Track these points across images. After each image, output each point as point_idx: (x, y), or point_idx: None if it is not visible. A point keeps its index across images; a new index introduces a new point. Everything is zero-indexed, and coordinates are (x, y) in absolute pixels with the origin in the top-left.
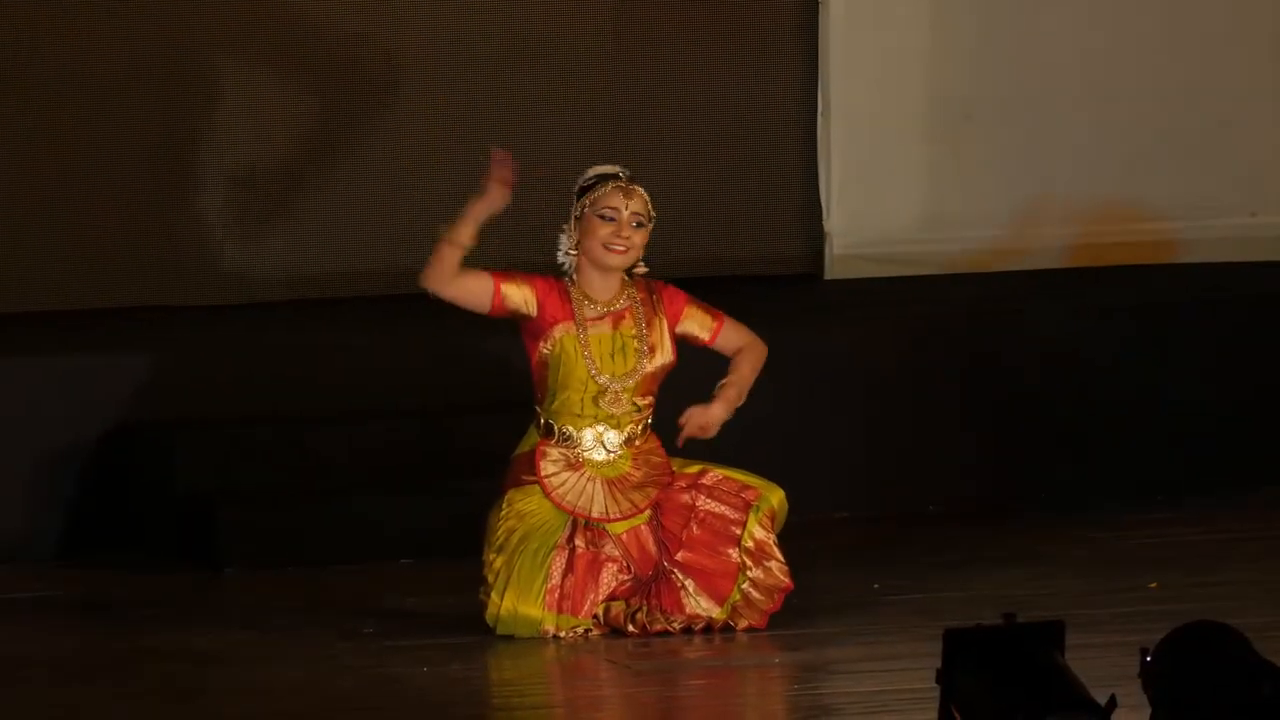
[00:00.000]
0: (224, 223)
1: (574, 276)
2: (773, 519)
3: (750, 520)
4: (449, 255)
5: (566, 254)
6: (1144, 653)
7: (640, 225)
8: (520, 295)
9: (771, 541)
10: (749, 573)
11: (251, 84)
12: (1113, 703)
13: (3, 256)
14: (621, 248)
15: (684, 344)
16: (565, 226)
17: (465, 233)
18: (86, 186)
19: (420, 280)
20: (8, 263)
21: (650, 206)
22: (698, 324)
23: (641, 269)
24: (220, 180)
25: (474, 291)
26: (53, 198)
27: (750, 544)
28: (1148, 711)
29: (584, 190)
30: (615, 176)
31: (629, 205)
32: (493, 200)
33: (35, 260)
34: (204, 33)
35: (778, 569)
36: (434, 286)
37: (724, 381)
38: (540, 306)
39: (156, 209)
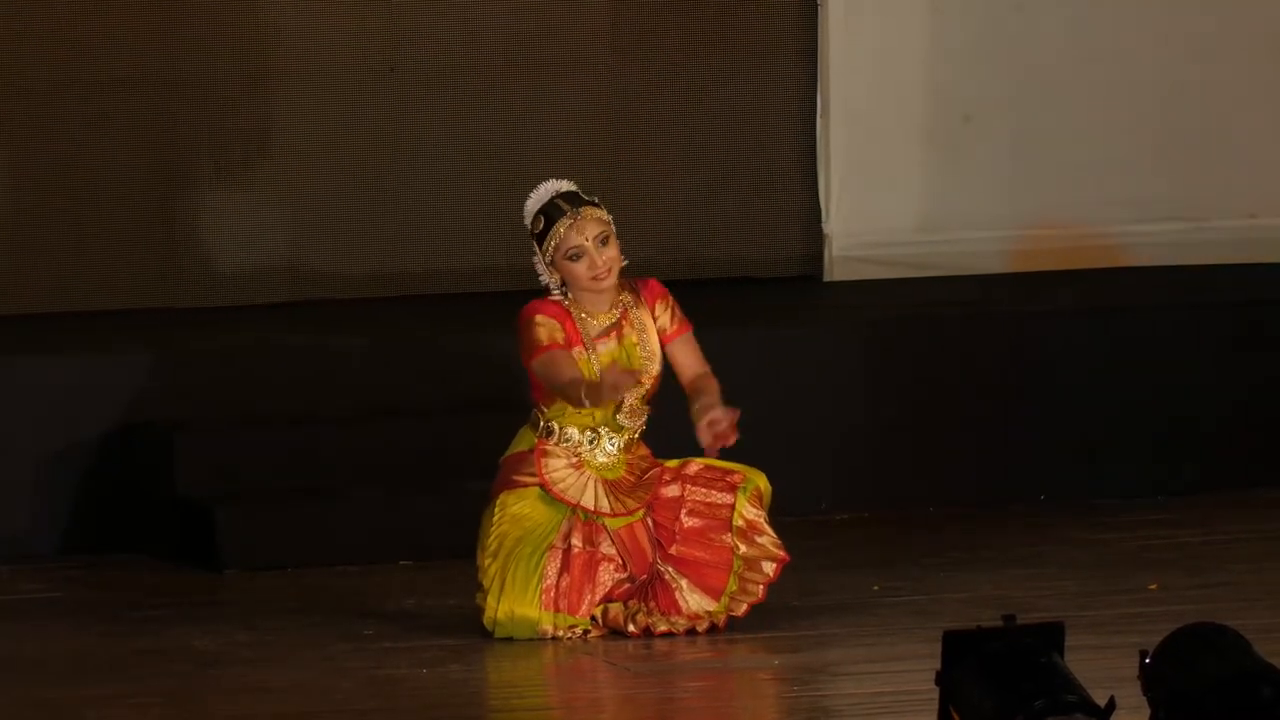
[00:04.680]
0: (224, 223)
1: (567, 295)
2: (760, 499)
3: (739, 500)
4: (573, 393)
5: (551, 281)
6: (1143, 654)
7: (606, 241)
8: (562, 336)
9: (762, 519)
10: (741, 552)
11: (249, 85)
12: (1112, 704)
13: (4, 258)
14: (604, 274)
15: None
16: (535, 259)
17: (594, 398)
18: (87, 187)
19: (552, 381)
20: (8, 264)
21: (604, 215)
22: (666, 318)
23: (623, 262)
24: (219, 180)
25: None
26: (53, 198)
27: (741, 523)
28: (1147, 713)
29: (540, 236)
30: (558, 208)
31: (587, 234)
32: (620, 392)
33: (35, 261)
34: (201, 32)
35: (770, 543)
36: (557, 388)
37: (702, 403)
38: (565, 334)
39: (156, 209)
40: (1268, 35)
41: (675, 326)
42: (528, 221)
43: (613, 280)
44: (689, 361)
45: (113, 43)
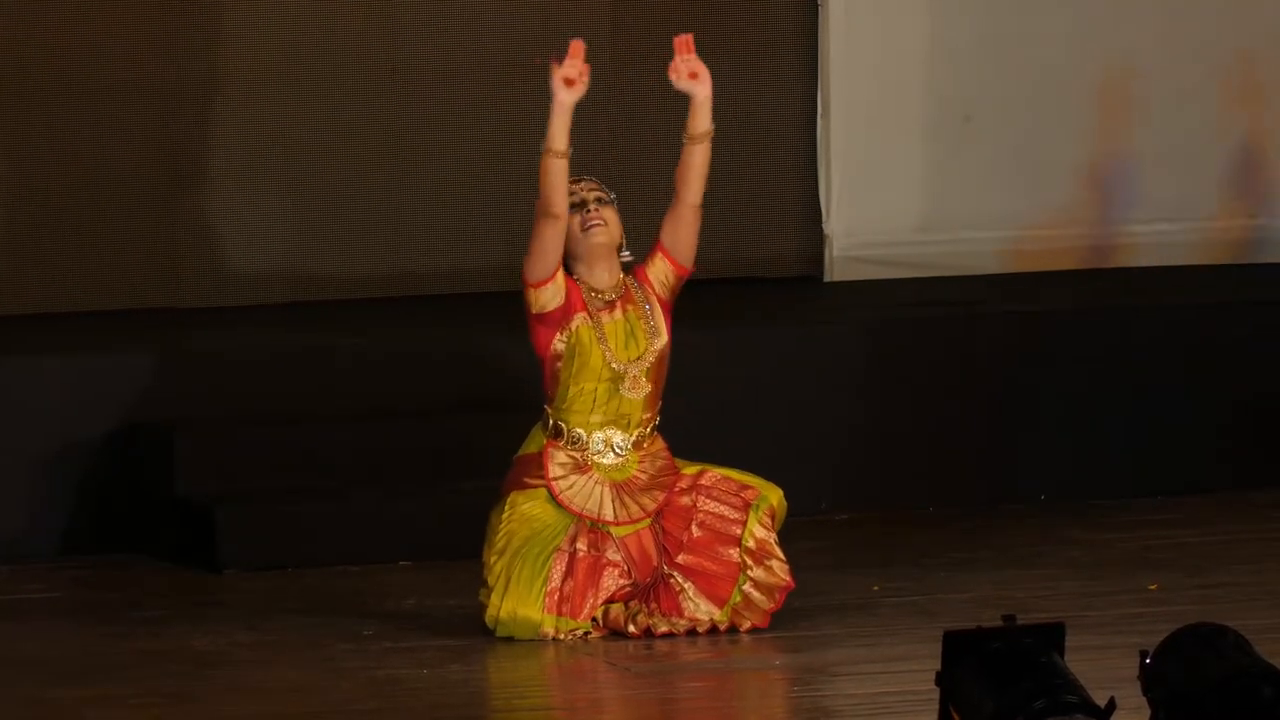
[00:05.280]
0: (224, 224)
1: (575, 277)
2: (773, 517)
3: (750, 519)
4: (554, 166)
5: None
6: (1143, 655)
7: (604, 202)
8: (559, 282)
9: (772, 540)
10: (750, 572)
11: (252, 87)
12: (1112, 705)
13: (4, 258)
14: (599, 222)
15: (676, 323)
16: None
17: (559, 139)
18: (87, 188)
19: (539, 203)
20: (9, 264)
21: (609, 191)
22: (656, 264)
23: (626, 256)
24: (221, 182)
25: (557, 246)
26: (54, 199)
27: (751, 543)
28: (1147, 713)
29: None
30: None
31: (583, 188)
32: (561, 101)
33: (37, 262)
34: (204, 34)
35: (779, 567)
36: (550, 205)
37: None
38: (566, 295)
39: (158, 211)
40: (1270, 36)
41: (655, 248)
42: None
43: (608, 238)
44: (670, 219)
45: (115, 47)
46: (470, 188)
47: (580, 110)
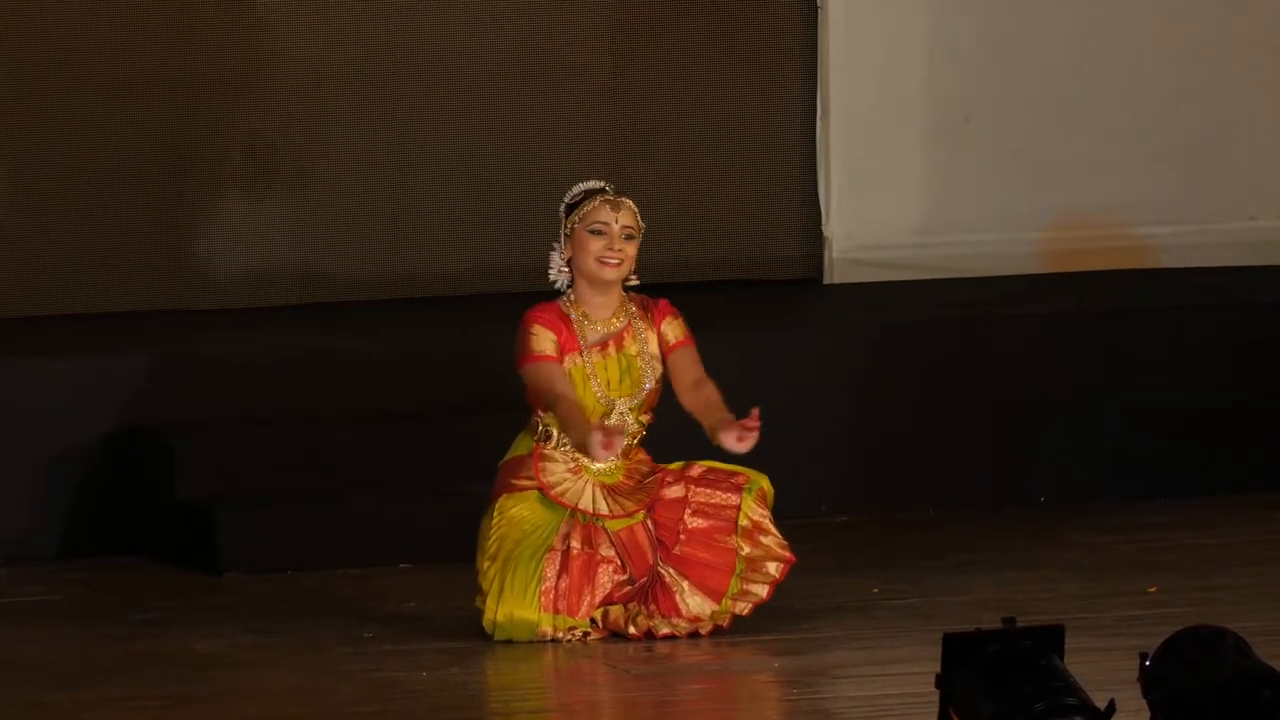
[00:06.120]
0: (226, 226)
1: (570, 295)
2: (765, 500)
3: (745, 500)
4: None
5: (559, 271)
6: (1143, 657)
7: (630, 237)
8: (554, 348)
9: (767, 519)
10: (744, 553)
11: (259, 91)
12: (1112, 707)
13: (5, 260)
14: (615, 260)
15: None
16: (555, 244)
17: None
18: (89, 189)
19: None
20: (11, 266)
21: (639, 218)
22: (672, 331)
23: (633, 280)
24: (222, 183)
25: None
26: (55, 200)
27: (746, 523)
28: (1147, 716)
29: (572, 207)
30: (602, 190)
31: (618, 218)
32: (596, 455)
33: (37, 263)
34: (211, 37)
35: (774, 543)
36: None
37: (719, 418)
38: (557, 345)
39: (158, 212)
40: (1270, 36)
41: (682, 338)
42: (569, 194)
43: (618, 275)
44: (689, 368)
45: (115, 44)
46: (473, 189)
47: (580, 108)
